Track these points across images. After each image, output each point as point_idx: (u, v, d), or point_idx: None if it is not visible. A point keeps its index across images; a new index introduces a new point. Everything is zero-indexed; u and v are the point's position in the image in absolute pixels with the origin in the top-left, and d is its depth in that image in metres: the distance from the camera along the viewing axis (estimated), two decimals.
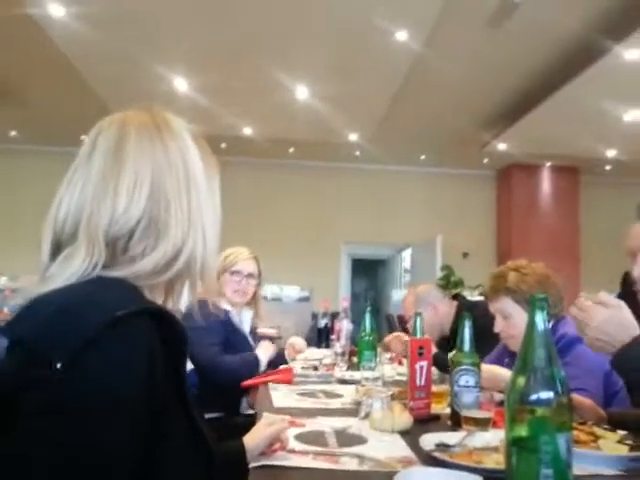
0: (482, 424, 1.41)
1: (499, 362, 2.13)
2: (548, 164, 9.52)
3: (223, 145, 8.45)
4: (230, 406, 2.60)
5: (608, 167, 9.34)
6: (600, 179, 9.77)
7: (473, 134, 8.18)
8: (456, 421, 1.51)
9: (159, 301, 0.89)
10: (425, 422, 1.57)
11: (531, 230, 9.34)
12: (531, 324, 0.91)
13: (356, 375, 2.29)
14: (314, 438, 1.37)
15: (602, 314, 1.28)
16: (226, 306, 2.67)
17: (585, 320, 1.29)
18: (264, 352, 2.65)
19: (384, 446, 1.32)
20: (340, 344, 2.75)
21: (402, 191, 10.13)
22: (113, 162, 0.85)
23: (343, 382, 2.31)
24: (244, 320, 2.81)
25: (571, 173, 9.64)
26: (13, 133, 8.90)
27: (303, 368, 2.62)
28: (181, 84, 6.54)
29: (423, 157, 9.62)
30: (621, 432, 1.33)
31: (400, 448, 1.32)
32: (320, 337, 3.41)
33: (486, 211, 10.19)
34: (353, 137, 8.37)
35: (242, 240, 2.74)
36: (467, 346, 1.57)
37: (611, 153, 8.50)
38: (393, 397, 1.69)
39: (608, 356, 1.37)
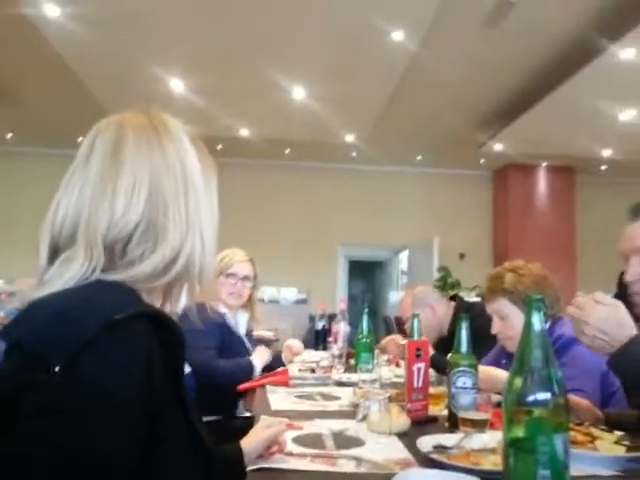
0: (479, 425, 1.41)
1: (496, 363, 2.13)
2: (544, 164, 9.54)
3: (219, 146, 8.45)
4: (227, 409, 2.60)
5: (604, 167, 9.37)
6: (596, 179, 9.79)
7: (469, 134, 8.19)
8: (453, 423, 1.51)
9: (157, 304, 0.89)
10: (423, 424, 1.57)
11: (527, 230, 9.36)
12: (528, 325, 0.91)
13: (353, 377, 2.29)
14: (312, 440, 1.37)
15: (600, 312, 1.28)
16: (222, 308, 2.67)
17: (583, 318, 1.29)
18: (259, 357, 2.65)
19: (382, 448, 1.32)
20: (337, 346, 2.75)
21: (398, 192, 10.14)
22: (111, 165, 0.85)
23: (340, 384, 2.31)
24: (240, 322, 2.80)
25: (567, 173, 9.66)
26: (9, 135, 8.88)
27: (300, 370, 2.62)
28: (177, 85, 6.54)
29: (419, 158, 9.62)
30: (618, 433, 1.33)
31: (398, 450, 1.32)
32: (317, 339, 3.41)
33: (482, 211, 10.20)
34: (349, 138, 8.37)
35: (238, 241, 2.73)
36: (464, 348, 1.57)
37: (607, 153, 8.52)
38: (390, 399, 1.69)
39: (605, 357, 1.37)
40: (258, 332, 2.82)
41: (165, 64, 6.04)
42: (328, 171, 10.04)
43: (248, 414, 2.55)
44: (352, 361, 2.77)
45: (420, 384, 1.63)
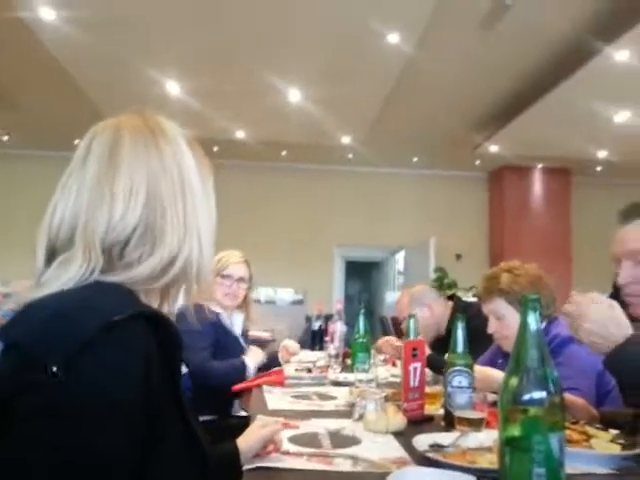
0: (475, 424, 1.42)
1: (492, 363, 2.14)
2: (540, 166, 9.57)
3: (215, 148, 8.44)
4: (222, 409, 2.60)
5: (599, 168, 9.39)
6: (591, 180, 9.82)
7: (465, 136, 8.21)
8: (449, 422, 1.51)
9: (155, 305, 0.89)
10: (419, 423, 1.57)
11: (523, 231, 9.38)
12: (523, 325, 0.92)
13: (350, 377, 2.29)
14: (308, 440, 1.38)
15: (598, 309, 1.29)
16: (217, 309, 2.67)
17: (581, 315, 1.29)
18: (253, 358, 2.65)
19: (378, 447, 1.33)
20: (334, 346, 2.75)
21: (395, 193, 10.16)
22: (108, 167, 0.85)
23: (337, 384, 2.32)
24: (235, 323, 2.81)
25: (562, 174, 9.69)
26: (5, 137, 8.86)
27: (297, 370, 2.62)
28: (173, 88, 6.53)
29: (415, 159, 9.64)
30: (613, 431, 1.33)
31: (394, 449, 1.32)
32: (314, 339, 3.41)
33: (478, 213, 10.22)
34: (346, 140, 8.38)
35: (235, 243, 2.73)
36: (460, 347, 1.58)
37: (602, 154, 8.54)
38: (387, 398, 1.69)
39: (600, 356, 1.38)
40: (255, 332, 2.82)
41: (161, 67, 6.03)
42: (324, 173, 10.05)
43: (244, 413, 2.55)
44: (349, 361, 2.78)
45: (416, 383, 1.63)
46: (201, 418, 2.21)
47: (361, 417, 1.54)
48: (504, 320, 2.09)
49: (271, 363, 2.78)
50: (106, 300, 0.76)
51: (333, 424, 1.54)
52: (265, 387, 2.20)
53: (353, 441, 1.38)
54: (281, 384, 2.25)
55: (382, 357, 2.92)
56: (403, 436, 1.42)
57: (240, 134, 8.18)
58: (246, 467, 1.15)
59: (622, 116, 6.87)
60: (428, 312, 3.02)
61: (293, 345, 2.93)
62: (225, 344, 2.65)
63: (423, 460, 1.20)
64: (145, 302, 0.84)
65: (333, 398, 2.02)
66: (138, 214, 0.84)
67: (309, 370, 2.61)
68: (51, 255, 0.84)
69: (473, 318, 2.07)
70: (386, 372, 2.58)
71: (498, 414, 0.92)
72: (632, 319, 1.34)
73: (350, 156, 9.28)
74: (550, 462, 0.85)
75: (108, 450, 0.68)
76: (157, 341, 0.75)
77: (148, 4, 4.91)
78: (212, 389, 2.45)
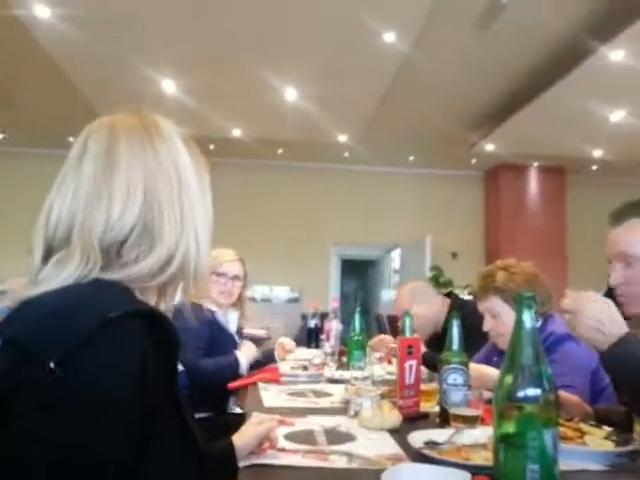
0: (470, 421, 1.42)
1: (488, 360, 2.14)
2: (535, 164, 9.60)
3: (212, 146, 8.44)
4: (218, 406, 2.60)
5: (594, 167, 9.43)
6: (587, 179, 9.86)
7: (461, 135, 8.22)
8: (445, 419, 1.52)
9: (152, 302, 0.89)
10: (414, 420, 1.58)
11: (519, 230, 9.40)
12: (519, 322, 0.92)
13: (346, 374, 2.30)
14: (304, 437, 1.38)
15: (595, 306, 1.30)
16: (212, 307, 2.68)
17: (580, 310, 1.29)
18: (245, 353, 2.66)
19: (373, 444, 1.33)
20: (330, 344, 2.76)
21: (391, 192, 10.17)
22: (105, 166, 0.85)
23: (333, 381, 2.32)
24: (230, 320, 2.82)
25: (558, 173, 9.72)
26: (0, 136, 8.83)
27: (293, 368, 2.62)
28: (169, 86, 6.53)
29: (412, 158, 9.65)
30: (607, 428, 1.34)
31: (389, 446, 1.32)
32: (310, 337, 3.42)
33: (474, 211, 10.24)
34: (342, 138, 8.39)
35: (231, 241, 2.73)
36: (456, 345, 1.59)
37: (597, 153, 8.57)
38: (382, 396, 1.70)
39: (595, 353, 1.39)
40: (250, 330, 2.82)
41: (157, 65, 6.03)
42: (321, 171, 10.05)
43: (239, 411, 2.55)
44: (344, 359, 2.78)
45: (412, 381, 1.64)
46: (197, 415, 2.21)
47: (356, 414, 1.55)
48: (499, 318, 2.09)
49: (267, 360, 2.78)
50: (104, 297, 0.76)
51: (329, 421, 1.54)
52: (261, 384, 2.20)
53: (348, 438, 1.38)
54: (276, 381, 2.25)
55: (378, 355, 2.93)
56: (398, 433, 1.42)
57: (236, 132, 8.18)
58: (242, 464, 1.16)
59: (617, 115, 6.89)
60: (428, 307, 3.02)
61: (289, 343, 2.94)
62: (220, 342, 2.65)
63: (418, 457, 1.20)
64: (142, 300, 0.84)
65: (329, 395, 2.02)
66: (136, 213, 0.84)
67: (305, 368, 2.61)
68: (48, 253, 0.84)
69: (468, 316, 2.08)
70: (382, 370, 2.59)
71: (493, 411, 0.92)
72: (625, 318, 1.35)
73: (346, 154, 9.29)
74: (544, 459, 0.85)
75: (103, 447, 0.68)
76: (153, 338, 0.75)
77: (143, 2, 4.90)
78: (208, 386, 2.46)
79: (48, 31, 5.29)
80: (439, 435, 1.30)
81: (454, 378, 1.56)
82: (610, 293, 1.50)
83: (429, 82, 6.52)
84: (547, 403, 0.88)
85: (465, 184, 10.26)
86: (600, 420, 1.44)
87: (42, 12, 4.98)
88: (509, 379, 0.90)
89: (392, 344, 2.86)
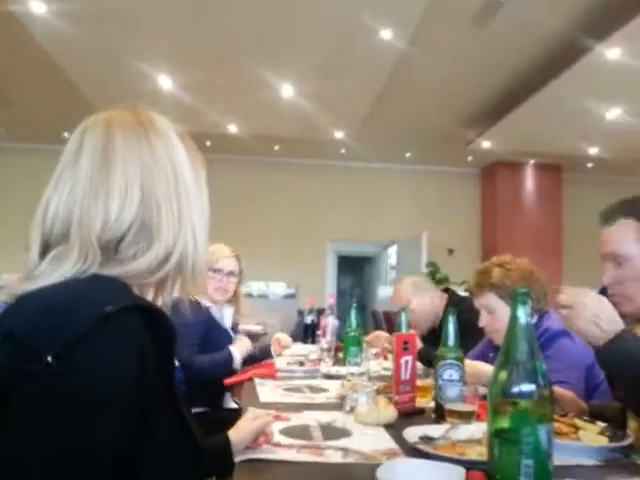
0: (466, 417, 1.43)
1: (483, 356, 2.15)
2: (532, 162, 9.61)
3: (208, 143, 8.42)
4: (213, 401, 2.61)
5: (590, 165, 9.45)
6: (583, 176, 9.87)
7: (457, 132, 8.22)
8: (440, 414, 1.53)
9: (149, 298, 0.89)
10: (410, 415, 1.58)
11: (515, 227, 9.43)
12: (513, 318, 0.93)
13: (342, 370, 2.30)
14: (299, 432, 1.38)
15: (592, 300, 1.30)
16: (207, 303, 2.68)
17: (578, 304, 1.30)
18: (239, 348, 2.67)
19: (369, 439, 1.34)
20: (326, 340, 2.76)
21: (387, 188, 10.17)
22: (101, 163, 0.85)
23: (329, 377, 2.32)
24: (225, 316, 2.82)
25: (554, 171, 9.73)
26: None
27: (289, 363, 2.63)
28: (165, 82, 6.50)
29: (408, 155, 9.65)
30: (601, 424, 1.35)
31: (384, 441, 1.33)
32: (306, 333, 3.42)
33: (471, 208, 10.26)
34: (338, 135, 8.38)
35: (228, 238, 2.73)
36: (451, 341, 1.59)
37: (593, 151, 8.59)
38: (378, 391, 1.71)
39: (591, 350, 1.40)
40: (247, 326, 2.83)
41: (153, 61, 6.00)
42: (317, 168, 10.05)
43: (235, 406, 2.56)
44: (340, 355, 2.79)
45: (408, 377, 1.65)
46: (193, 410, 2.22)
47: (352, 409, 1.55)
48: (495, 314, 2.10)
49: (263, 356, 2.79)
50: (102, 292, 0.76)
51: (324, 416, 1.54)
52: (257, 380, 2.21)
53: (344, 433, 1.39)
54: (272, 377, 2.26)
55: (374, 351, 2.93)
56: (394, 428, 1.43)
57: (233, 128, 8.16)
58: (237, 459, 1.16)
59: (613, 113, 6.91)
60: (428, 301, 3.03)
61: (285, 338, 2.94)
62: (215, 338, 2.66)
63: (413, 452, 1.21)
64: (139, 295, 0.84)
65: (325, 391, 2.03)
66: (134, 211, 0.84)
67: (301, 363, 2.61)
68: (45, 249, 0.84)
69: (464, 312, 2.08)
70: (378, 365, 2.59)
71: (487, 406, 0.93)
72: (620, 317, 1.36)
73: (343, 151, 9.29)
74: (538, 454, 0.86)
75: (101, 442, 0.68)
76: (152, 334, 0.75)
77: None
78: (203, 382, 2.46)
79: (44, 27, 5.26)
80: (434, 430, 1.31)
81: (450, 374, 1.56)
82: (605, 291, 1.51)
83: (426, 79, 6.52)
84: (542, 399, 0.89)
85: (462, 181, 10.27)
86: (594, 416, 1.45)
87: (38, 8, 4.95)
88: (504, 375, 0.90)
89: (387, 344, 2.86)
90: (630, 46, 5.20)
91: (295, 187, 9.98)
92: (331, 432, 1.39)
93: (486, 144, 8.51)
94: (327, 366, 2.51)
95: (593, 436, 1.28)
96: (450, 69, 6.28)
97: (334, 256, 10.76)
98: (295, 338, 3.22)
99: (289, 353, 2.94)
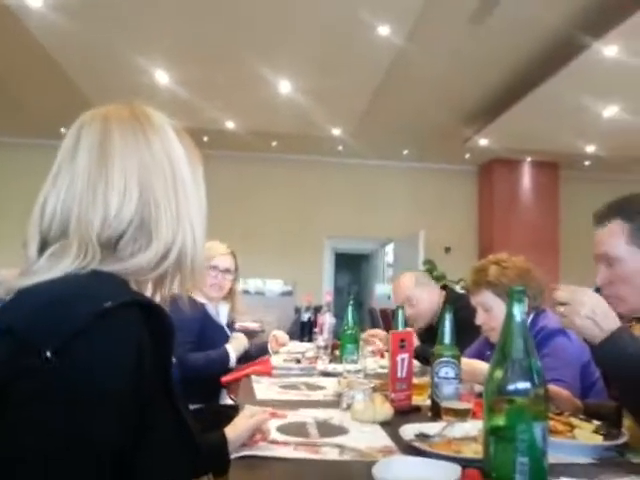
0: (461, 415, 1.43)
1: (480, 354, 2.16)
2: (529, 159, 9.62)
3: (205, 138, 8.41)
4: (210, 398, 2.61)
5: (587, 162, 9.46)
6: (579, 174, 9.89)
7: (455, 129, 8.23)
8: (436, 412, 1.53)
9: (147, 294, 0.89)
10: (406, 413, 1.59)
11: (512, 225, 9.44)
12: (509, 316, 0.93)
13: (338, 368, 2.30)
14: (296, 429, 1.39)
15: (590, 298, 1.31)
16: (202, 300, 2.68)
17: (577, 301, 1.30)
18: (235, 345, 2.67)
19: (365, 436, 1.34)
20: (323, 337, 2.76)
21: (385, 185, 10.17)
22: (99, 159, 0.85)
23: (325, 374, 2.33)
24: (221, 313, 2.82)
25: (551, 168, 9.75)
26: None
27: (286, 361, 2.63)
28: (162, 77, 6.49)
29: (406, 152, 9.66)
30: (596, 422, 1.35)
31: (380, 438, 1.33)
32: (303, 331, 3.42)
33: (468, 206, 10.26)
34: (336, 131, 8.37)
35: (225, 234, 2.73)
36: (447, 339, 1.59)
37: (590, 149, 8.60)
38: (374, 389, 1.71)
39: (586, 348, 1.40)
40: (244, 323, 2.83)
41: (150, 55, 5.99)
42: (314, 164, 10.04)
43: (231, 402, 2.56)
44: (337, 352, 2.79)
45: (404, 374, 1.65)
46: (190, 407, 2.22)
47: (349, 407, 1.55)
48: (492, 312, 2.11)
49: (259, 353, 2.79)
50: (101, 288, 0.76)
51: (321, 414, 1.55)
52: (253, 377, 2.21)
53: (340, 430, 1.39)
54: (268, 374, 2.25)
55: (370, 348, 2.94)
56: (390, 426, 1.43)
57: (230, 124, 8.15)
58: (234, 456, 1.16)
59: (610, 111, 6.92)
60: (428, 295, 3.04)
61: (282, 336, 2.95)
62: (210, 335, 2.66)
63: (409, 449, 1.21)
64: (138, 291, 0.84)
65: (321, 388, 2.03)
66: (133, 209, 0.84)
67: (298, 361, 2.62)
68: (43, 246, 0.83)
69: (460, 310, 2.08)
70: (374, 363, 2.60)
71: (483, 404, 0.93)
72: None
73: (340, 148, 9.28)
74: (533, 451, 0.86)
75: (99, 438, 0.68)
76: (150, 329, 0.75)
77: None
78: (199, 379, 2.46)
79: (40, 20, 5.25)
80: (430, 428, 1.31)
81: (446, 372, 1.56)
82: (598, 292, 1.52)
83: (423, 76, 6.51)
84: (537, 396, 0.89)
85: (459, 178, 10.28)
86: (590, 414, 1.45)
87: (33, 1, 4.93)
88: (499, 373, 0.91)
89: (379, 343, 2.87)
90: (627, 44, 5.21)
91: (292, 183, 9.97)
92: (327, 429, 1.40)
93: (483, 141, 8.52)
94: (324, 363, 2.51)
95: (588, 434, 1.28)
96: (447, 66, 6.28)
97: (331, 253, 10.76)
98: (292, 336, 3.22)
99: (286, 350, 2.94)
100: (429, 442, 1.22)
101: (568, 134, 7.78)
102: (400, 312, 1.80)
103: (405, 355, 1.66)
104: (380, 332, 3.10)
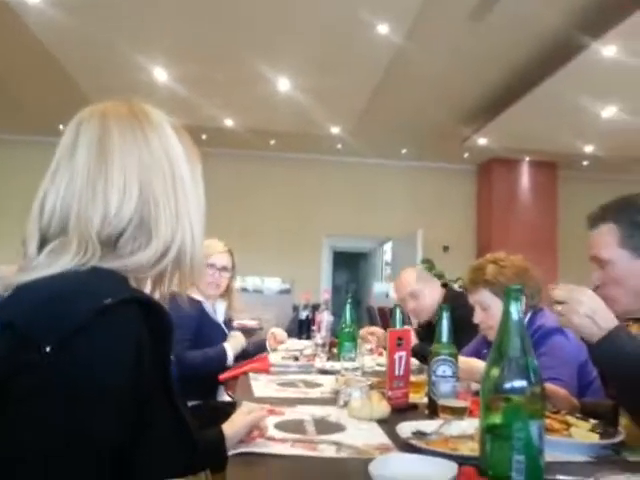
0: (458, 413, 1.44)
1: (477, 353, 2.16)
2: (527, 159, 9.63)
3: (204, 136, 8.40)
4: (207, 395, 2.61)
5: (586, 162, 9.47)
6: (578, 174, 9.90)
7: (454, 128, 8.23)
8: (433, 410, 1.53)
9: (146, 291, 0.89)
10: (403, 411, 1.59)
11: (511, 224, 9.45)
12: (506, 315, 0.93)
13: (336, 365, 2.30)
14: (293, 426, 1.39)
15: (588, 296, 1.31)
16: (199, 297, 2.69)
17: (575, 300, 1.30)
18: (233, 343, 2.67)
19: (362, 434, 1.34)
20: (321, 335, 2.77)
21: (383, 184, 10.17)
22: (98, 156, 0.85)
23: (323, 372, 2.33)
24: (218, 311, 2.83)
25: (550, 168, 9.76)
26: None
27: (284, 358, 2.63)
28: (161, 74, 6.48)
29: (404, 151, 9.66)
30: (593, 421, 1.36)
31: (377, 436, 1.33)
32: (301, 328, 3.43)
33: (466, 205, 10.27)
34: (335, 130, 8.37)
35: (223, 232, 2.73)
36: (445, 337, 1.60)
37: (589, 149, 8.61)
38: (372, 387, 1.71)
39: (584, 347, 1.40)
40: (242, 321, 2.83)
41: (149, 52, 5.98)
42: (313, 162, 10.04)
43: (228, 398, 2.56)
44: (335, 350, 2.80)
45: (401, 372, 1.65)
46: (188, 403, 2.22)
47: (346, 404, 1.56)
48: (489, 310, 2.11)
49: (257, 351, 2.80)
50: (101, 285, 0.77)
51: (318, 411, 1.55)
52: (251, 374, 2.21)
53: (338, 428, 1.39)
54: (266, 371, 2.26)
55: (368, 346, 2.94)
56: (387, 423, 1.43)
57: (229, 122, 8.14)
58: (231, 452, 1.16)
59: (609, 111, 6.92)
60: (429, 291, 3.04)
61: (281, 333, 2.95)
62: (207, 332, 2.66)
63: (406, 447, 1.21)
64: (137, 288, 0.84)
65: (319, 386, 2.03)
66: (132, 207, 0.84)
67: (296, 358, 2.62)
68: (42, 243, 0.83)
69: (458, 308, 2.09)
70: (372, 361, 2.60)
71: (480, 402, 0.93)
72: None
73: (339, 146, 9.28)
74: (530, 449, 0.87)
75: (99, 434, 0.69)
76: (149, 326, 0.76)
77: None
78: (196, 377, 2.46)
79: (38, 16, 5.23)
80: (427, 426, 1.32)
81: (443, 370, 1.57)
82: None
83: (422, 74, 6.51)
84: (533, 395, 0.89)
85: (457, 177, 10.29)
86: (586, 413, 1.45)
87: None
88: (496, 371, 0.91)
89: (371, 344, 2.87)
90: (626, 44, 5.21)
91: (291, 182, 9.97)
92: (325, 427, 1.40)
93: (482, 141, 8.52)
94: (321, 361, 2.52)
95: (585, 433, 1.28)
96: (446, 64, 6.28)
97: (329, 251, 10.77)
98: (290, 333, 3.22)
99: (284, 348, 2.94)
100: (426, 440, 1.22)
101: (567, 134, 7.79)
102: (398, 310, 1.80)
103: (402, 353, 1.66)
104: (377, 329, 3.10)
